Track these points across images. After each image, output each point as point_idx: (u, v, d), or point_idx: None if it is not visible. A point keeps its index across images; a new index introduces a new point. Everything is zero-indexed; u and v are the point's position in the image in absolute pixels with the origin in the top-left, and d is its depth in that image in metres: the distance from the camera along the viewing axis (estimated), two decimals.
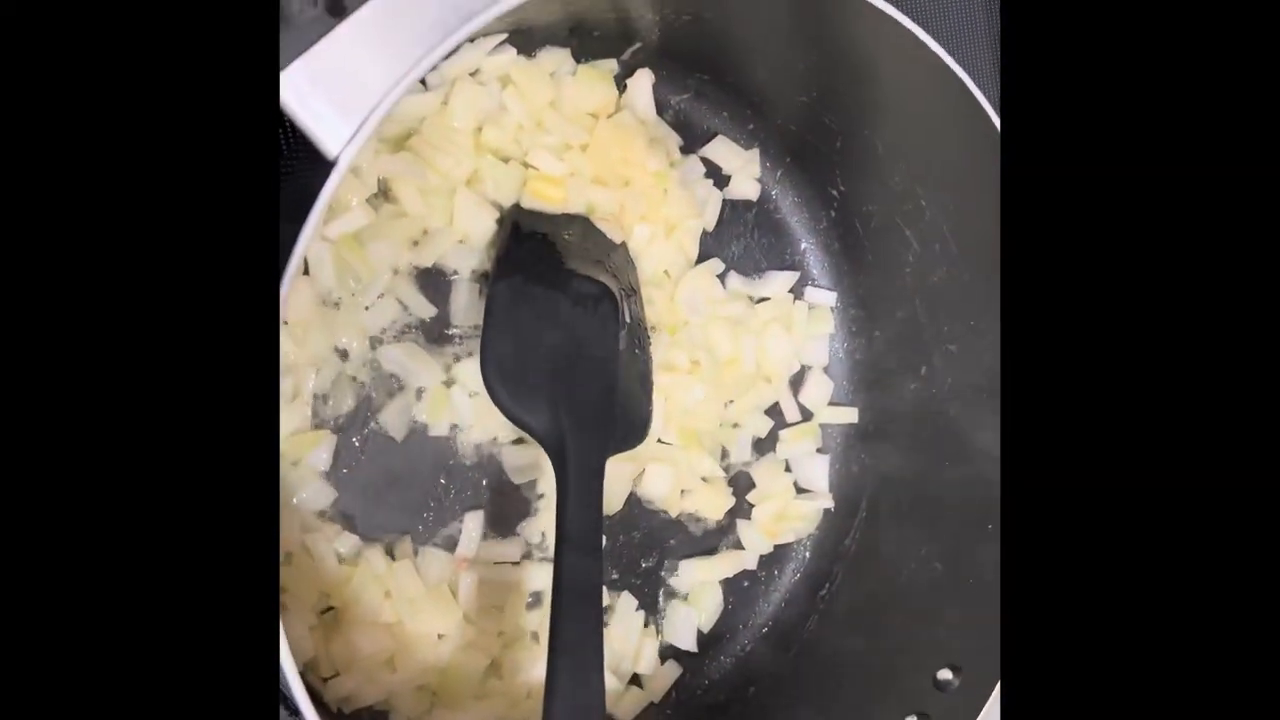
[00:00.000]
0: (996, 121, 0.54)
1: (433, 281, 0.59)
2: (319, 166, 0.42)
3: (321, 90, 0.40)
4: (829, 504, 0.70)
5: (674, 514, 0.66)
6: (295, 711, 0.45)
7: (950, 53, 0.51)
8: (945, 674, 0.58)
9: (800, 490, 0.70)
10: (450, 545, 0.59)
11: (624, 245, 0.63)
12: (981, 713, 0.54)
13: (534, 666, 0.60)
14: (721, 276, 0.67)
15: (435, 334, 0.59)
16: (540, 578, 0.61)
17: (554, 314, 0.57)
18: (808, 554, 0.70)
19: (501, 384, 0.54)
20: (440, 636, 0.57)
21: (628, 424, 0.58)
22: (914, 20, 0.50)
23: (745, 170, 0.67)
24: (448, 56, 0.43)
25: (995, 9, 0.75)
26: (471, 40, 0.53)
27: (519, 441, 0.61)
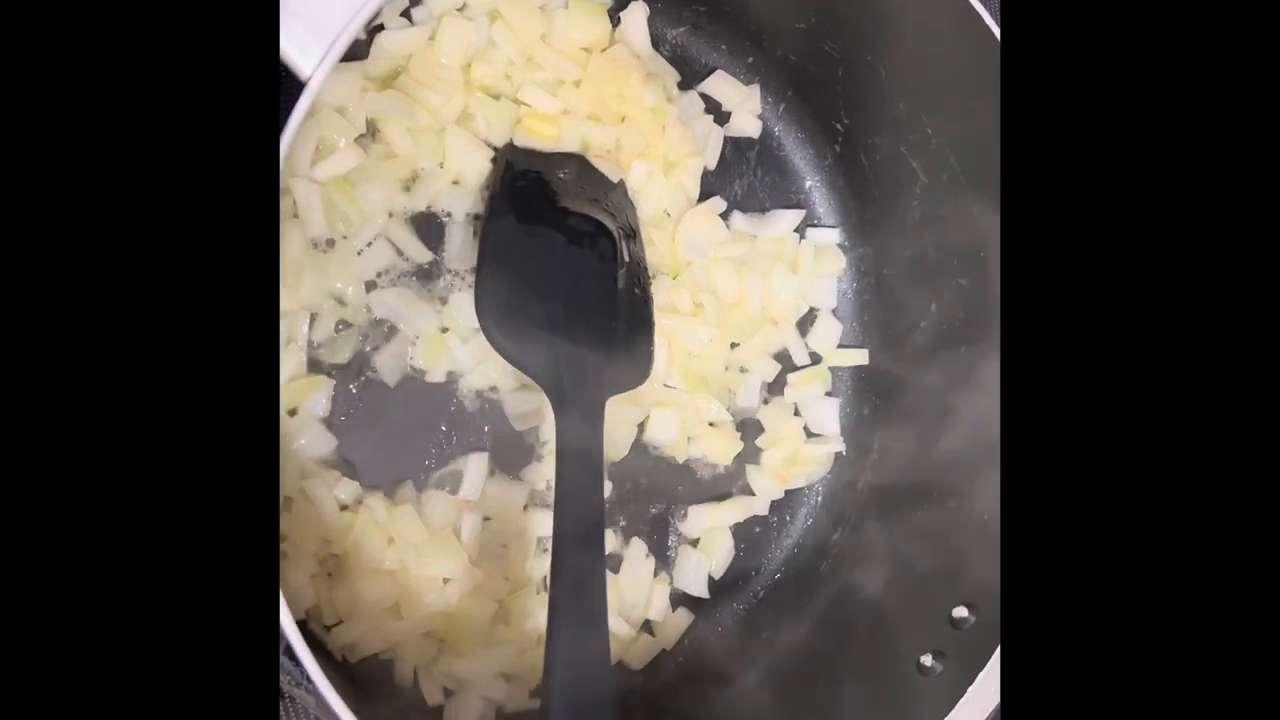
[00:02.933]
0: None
1: (427, 224, 0.58)
2: (295, 94, 0.40)
3: (293, 10, 0.39)
4: (840, 448, 0.69)
5: (681, 459, 0.65)
6: (295, 659, 0.44)
7: None
8: (961, 612, 0.56)
9: (810, 434, 0.69)
10: (453, 489, 0.58)
11: (622, 184, 0.61)
12: (997, 649, 0.53)
13: (542, 612, 0.59)
14: (724, 216, 0.66)
15: (430, 278, 0.58)
16: (546, 524, 0.60)
17: (549, 254, 0.56)
18: (820, 498, 0.69)
19: (498, 326, 0.53)
20: (446, 582, 0.56)
21: (628, 364, 0.57)
22: None
23: (746, 106, 0.66)
24: None
25: None
26: None
27: (521, 388, 0.60)
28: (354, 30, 0.40)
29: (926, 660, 0.56)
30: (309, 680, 0.44)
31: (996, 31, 0.50)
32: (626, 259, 0.58)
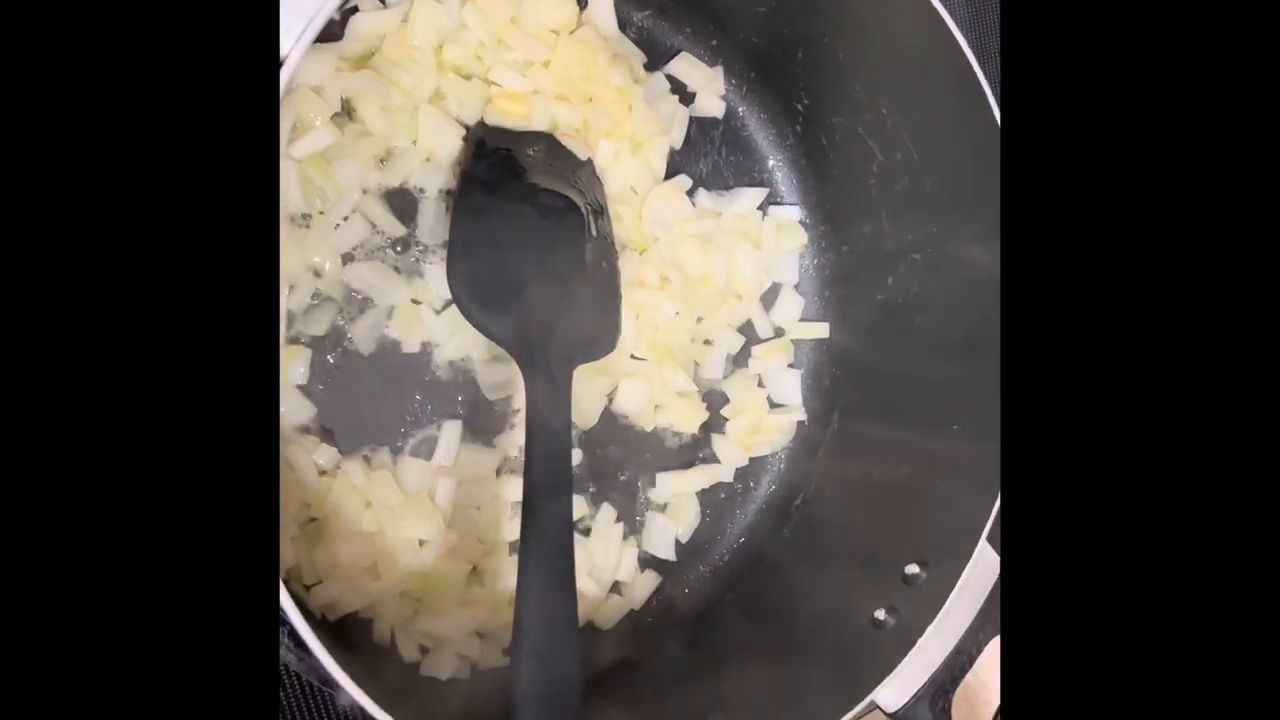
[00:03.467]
0: (952, 26, 0.54)
1: (401, 200, 0.60)
2: None
3: None
4: (802, 417, 0.71)
5: (649, 428, 0.68)
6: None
7: None
8: (913, 568, 0.59)
9: (774, 404, 0.72)
10: (428, 455, 0.60)
11: (590, 162, 0.63)
12: (946, 602, 0.56)
13: (514, 574, 0.61)
14: (690, 194, 0.68)
15: (404, 252, 0.60)
16: (518, 489, 0.62)
17: (519, 228, 0.58)
18: (782, 465, 0.72)
19: (469, 297, 0.56)
20: (422, 544, 0.59)
21: (595, 334, 0.60)
22: None
23: (710, 87, 0.68)
24: None
25: None
26: None
27: (494, 359, 0.62)
28: (329, 11, 0.42)
29: (880, 615, 0.59)
30: (291, 637, 0.47)
31: (946, 15, 0.53)
32: (594, 234, 0.60)
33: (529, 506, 0.52)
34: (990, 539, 0.57)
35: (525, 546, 0.52)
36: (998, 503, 0.57)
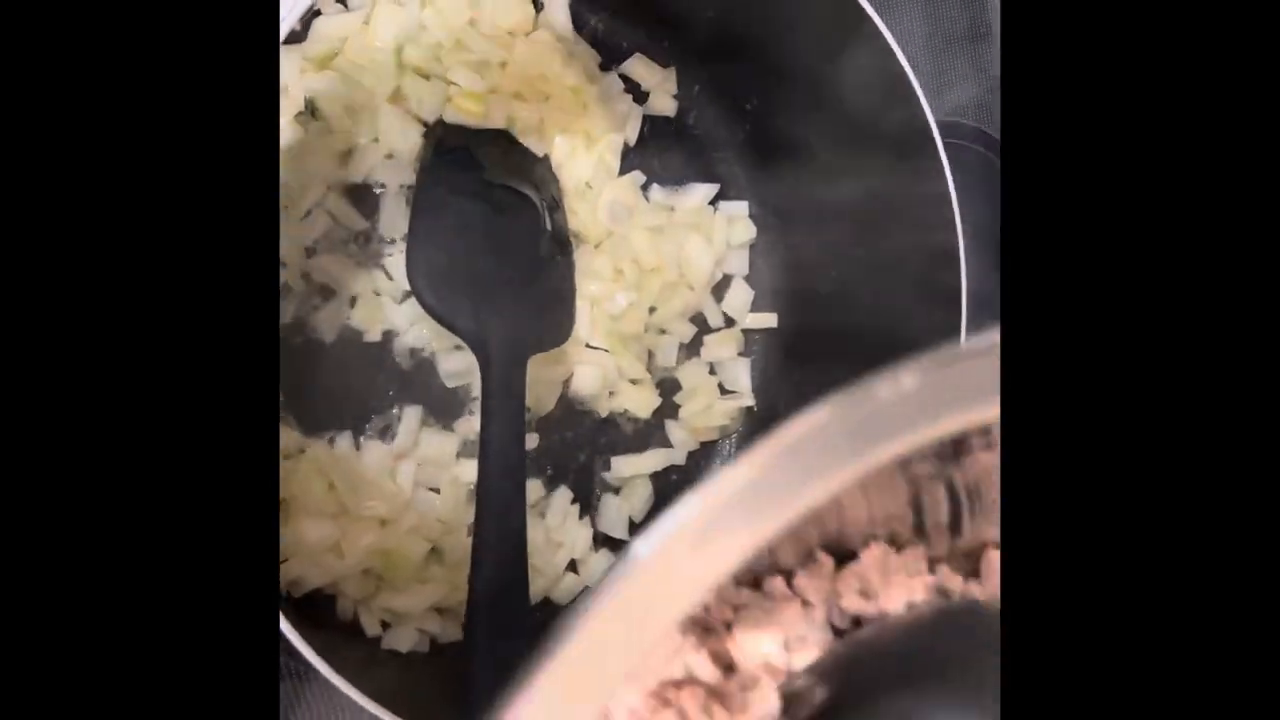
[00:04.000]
0: (889, 37, 0.57)
1: (362, 195, 0.62)
2: None
3: None
4: (751, 403, 0.75)
5: (604, 413, 0.71)
6: None
7: None
8: None
9: (724, 391, 0.75)
10: (389, 439, 0.63)
11: (546, 158, 0.66)
12: None
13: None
14: (644, 189, 0.71)
15: (366, 244, 0.62)
16: (475, 471, 0.65)
17: (476, 223, 0.60)
18: (732, 449, 0.75)
19: (427, 289, 0.58)
20: (383, 523, 0.62)
21: (549, 325, 0.62)
22: None
23: (663, 87, 0.71)
24: None
25: None
26: None
27: (453, 349, 0.65)
28: (293, 19, 0.44)
29: None
30: None
31: (889, 36, 0.56)
32: (549, 228, 0.63)
33: (483, 490, 0.55)
34: None
35: (480, 525, 0.55)
36: None
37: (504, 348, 0.58)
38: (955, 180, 0.61)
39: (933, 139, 0.60)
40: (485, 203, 0.61)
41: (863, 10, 0.57)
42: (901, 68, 0.58)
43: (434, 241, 0.59)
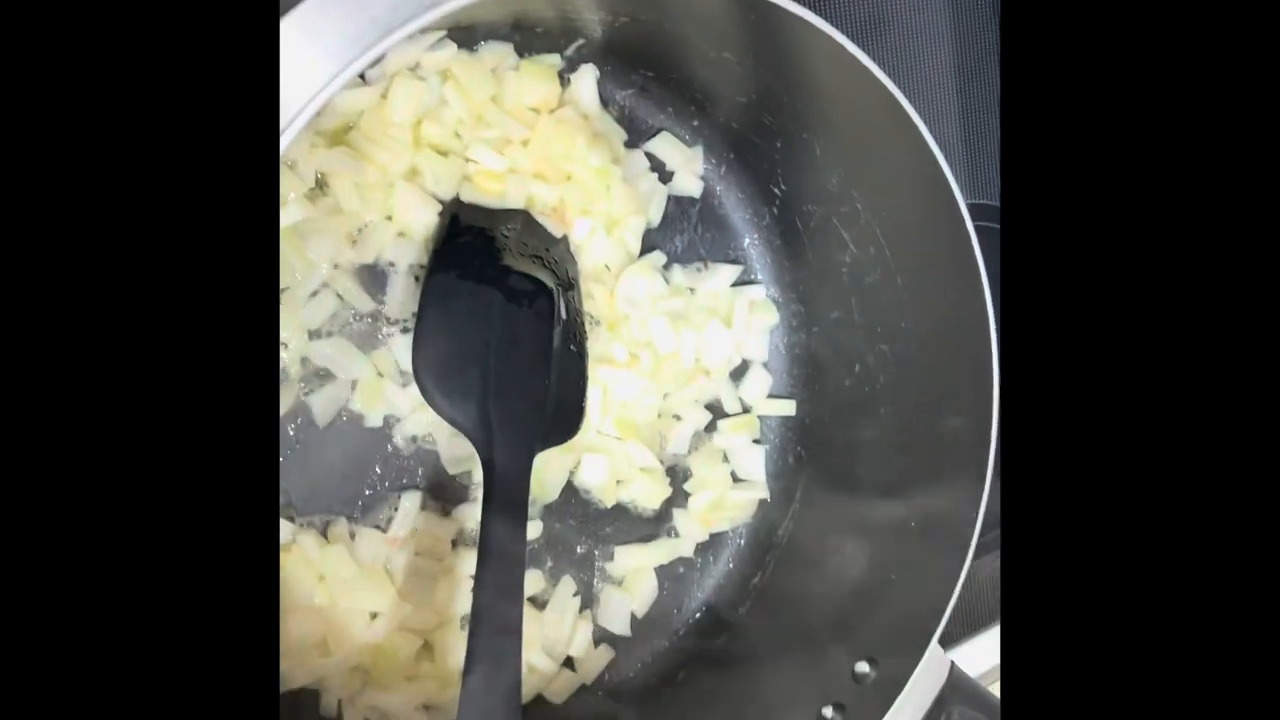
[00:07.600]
0: (925, 132, 0.54)
1: (371, 274, 0.60)
2: None
3: None
4: (765, 494, 0.72)
5: (610, 503, 0.68)
6: None
7: (880, 65, 0.52)
8: (863, 667, 0.60)
9: (737, 480, 0.72)
10: (385, 526, 0.60)
11: (565, 239, 0.63)
12: (894, 704, 0.57)
13: (464, 649, 0.61)
14: (665, 269, 0.68)
15: (371, 325, 0.60)
16: (474, 562, 0.62)
17: (487, 311, 0.58)
18: (742, 542, 0.72)
19: (432, 381, 0.55)
20: (374, 616, 0.59)
21: (558, 421, 0.60)
22: (842, 32, 0.51)
23: (688, 166, 0.68)
24: (383, 57, 0.43)
25: (931, 27, 0.77)
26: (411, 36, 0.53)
27: (456, 435, 0.62)
28: (318, 106, 0.42)
29: (828, 712, 0.59)
30: None
31: (925, 131, 0.53)
32: (564, 316, 0.60)
33: (479, 601, 0.52)
34: (942, 640, 0.58)
35: (473, 639, 0.52)
36: (952, 603, 0.57)
37: (509, 448, 0.55)
38: (985, 258, 0.58)
39: (966, 231, 0.56)
40: (498, 290, 0.58)
41: (896, 100, 0.54)
42: (935, 159, 0.55)
43: (442, 331, 0.56)
